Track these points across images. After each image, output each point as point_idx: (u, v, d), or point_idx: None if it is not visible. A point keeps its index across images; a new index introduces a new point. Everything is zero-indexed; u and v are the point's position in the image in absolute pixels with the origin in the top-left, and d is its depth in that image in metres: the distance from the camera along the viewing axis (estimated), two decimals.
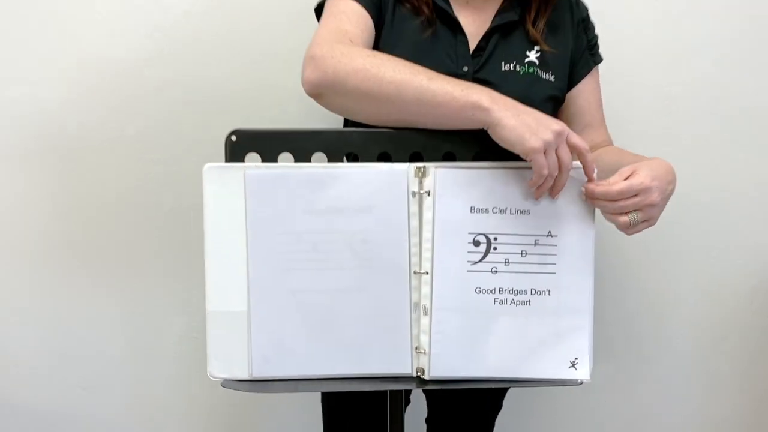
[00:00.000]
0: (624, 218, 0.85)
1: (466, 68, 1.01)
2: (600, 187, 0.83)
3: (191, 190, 1.40)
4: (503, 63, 1.02)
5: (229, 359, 0.87)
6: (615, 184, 0.83)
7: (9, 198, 1.43)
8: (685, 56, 1.45)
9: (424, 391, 1.30)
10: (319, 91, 0.89)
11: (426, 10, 1.00)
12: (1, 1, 1.35)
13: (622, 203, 0.84)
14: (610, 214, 0.86)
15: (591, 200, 0.85)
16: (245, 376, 0.87)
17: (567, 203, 0.86)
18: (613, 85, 1.32)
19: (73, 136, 1.41)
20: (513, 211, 0.86)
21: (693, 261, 1.56)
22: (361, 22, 0.96)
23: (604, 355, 1.59)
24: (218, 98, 1.41)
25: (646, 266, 1.56)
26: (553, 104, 1.06)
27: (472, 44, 1.02)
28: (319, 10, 1.04)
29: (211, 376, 0.88)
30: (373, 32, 0.99)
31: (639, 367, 1.63)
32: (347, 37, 0.93)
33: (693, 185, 1.50)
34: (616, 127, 1.21)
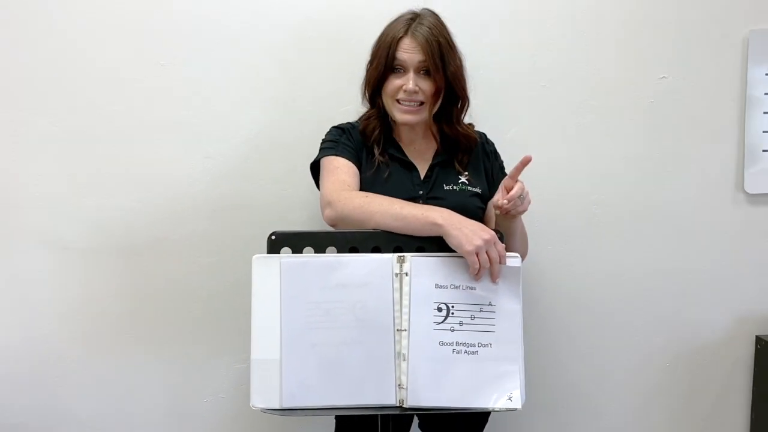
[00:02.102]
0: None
1: (421, 192, 1.45)
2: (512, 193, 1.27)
3: (226, 278, 1.80)
4: (444, 185, 1.47)
5: (266, 393, 1.20)
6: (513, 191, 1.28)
7: (86, 282, 1.79)
8: (608, 175, 1.85)
9: (419, 421, 1.60)
10: (335, 223, 1.33)
11: (386, 159, 1.46)
12: (82, 133, 1.75)
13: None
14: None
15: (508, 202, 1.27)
16: (277, 405, 1.20)
17: (501, 283, 1.23)
18: (549, 198, 1.75)
19: (137, 236, 1.78)
20: (464, 287, 1.23)
21: (622, 336, 1.89)
22: (351, 171, 1.42)
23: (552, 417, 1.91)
24: (246, 207, 1.79)
25: (585, 341, 1.89)
26: (481, 207, 1.49)
27: (422, 174, 1.47)
28: (313, 166, 1.49)
29: (253, 406, 1.20)
30: (358, 173, 1.43)
31: (582, 426, 1.93)
32: (346, 184, 1.38)
33: (622, 271, 1.87)
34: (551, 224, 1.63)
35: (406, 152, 1.49)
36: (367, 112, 1.51)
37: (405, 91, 1.40)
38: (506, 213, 1.32)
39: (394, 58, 1.40)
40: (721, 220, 1.86)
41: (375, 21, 1.51)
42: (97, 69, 1.74)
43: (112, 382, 1.83)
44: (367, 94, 1.50)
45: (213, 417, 1.85)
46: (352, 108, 1.71)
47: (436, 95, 1.42)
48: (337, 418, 1.54)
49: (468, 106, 1.50)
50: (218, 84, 1.77)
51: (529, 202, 1.33)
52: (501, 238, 1.25)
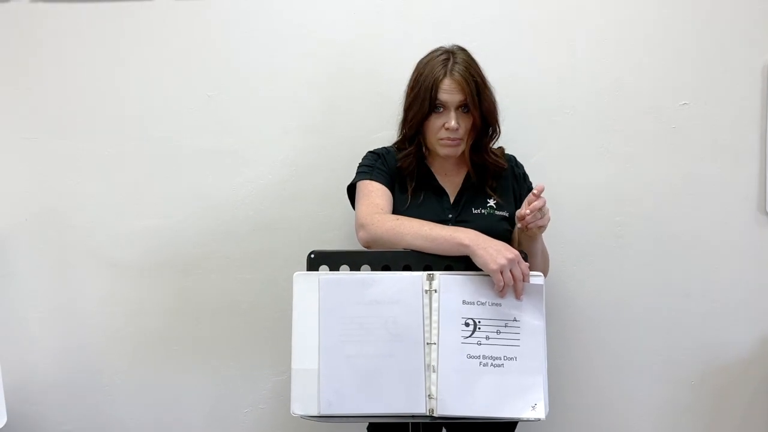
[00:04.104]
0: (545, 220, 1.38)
1: (450, 215, 1.53)
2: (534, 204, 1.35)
3: (266, 294, 1.90)
4: (473, 209, 1.54)
5: (305, 401, 1.28)
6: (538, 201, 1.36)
7: (135, 297, 1.91)
8: (632, 197, 1.90)
9: (447, 430, 1.65)
10: (368, 245, 1.42)
11: (417, 183, 1.54)
12: (132, 158, 1.89)
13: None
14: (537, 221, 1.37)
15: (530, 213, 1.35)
16: (315, 413, 1.28)
17: (525, 299, 1.31)
18: (574, 220, 1.82)
19: (183, 253, 1.90)
20: (490, 303, 1.31)
21: (647, 355, 1.92)
22: (384, 195, 1.51)
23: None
24: (285, 227, 1.89)
25: (610, 359, 1.92)
26: (509, 230, 1.56)
27: (451, 199, 1.55)
28: (350, 188, 1.58)
29: (293, 413, 1.29)
30: (392, 197, 1.52)
31: None
32: (379, 207, 1.46)
33: (646, 291, 1.90)
34: (576, 245, 1.70)
35: (437, 178, 1.57)
36: (406, 149, 1.56)
37: (447, 128, 1.48)
38: (527, 227, 1.39)
39: (435, 98, 1.47)
40: (743, 241, 1.90)
41: (406, 51, 1.61)
42: (150, 100, 1.88)
43: (157, 392, 1.94)
44: (406, 132, 1.56)
45: (252, 426, 1.94)
46: (385, 134, 1.81)
47: (473, 130, 1.51)
48: (370, 425, 1.62)
49: (498, 136, 1.59)
50: (260, 113, 1.88)
51: (549, 219, 1.40)
52: (525, 258, 1.32)
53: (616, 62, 1.88)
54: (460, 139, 1.50)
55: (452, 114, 1.47)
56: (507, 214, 1.56)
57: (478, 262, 1.30)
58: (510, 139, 1.69)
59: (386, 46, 1.86)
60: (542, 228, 1.41)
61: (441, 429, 1.65)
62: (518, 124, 1.84)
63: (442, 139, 1.50)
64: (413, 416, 1.28)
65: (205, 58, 1.88)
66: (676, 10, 1.87)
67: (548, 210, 1.40)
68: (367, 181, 1.53)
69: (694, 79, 1.88)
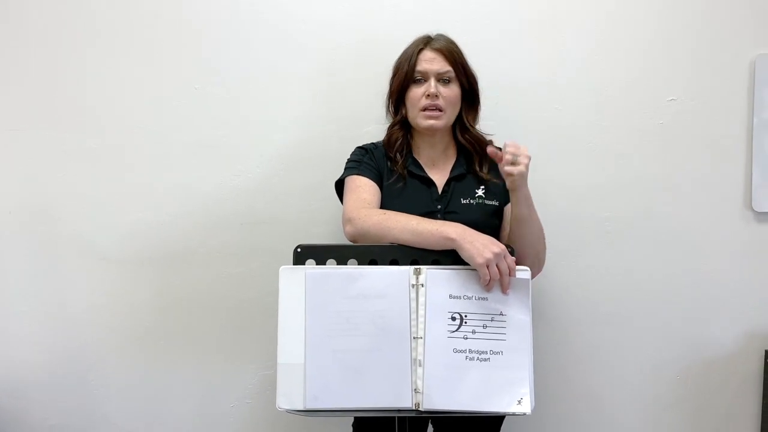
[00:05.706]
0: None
1: (439, 206, 1.52)
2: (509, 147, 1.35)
3: (253, 288, 1.90)
4: (461, 199, 1.54)
5: (291, 395, 1.28)
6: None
7: (122, 291, 1.90)
8: (620, 193, 1.90)
9: (433, 425, 1.67)
10: (355, 239, 1.42)
11: (406, 176, 1.54)
12: (121, 152, 1.88)
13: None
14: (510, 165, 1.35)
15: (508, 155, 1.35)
16: (301, 407, 1.28)
17: (512, 294, 1.31)
18: (562, 216, 1.83)
19: (170, 247, 1.89)
20: (477, 298, 1.31)
21: (632, 349, 1.93)
22: (372, 190, 1.51)
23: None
24: (272, 221, 1.89)
25: (596, 353, 1.93)
26: (498, 217, 1.57)
27: (439, 189, 1.54)
28: (338, 184, 1.58)
29: (279, 407, 1.28)
30: (379, 192, 1.52)
31: None
32: (366, 202, 1.46)
33: (632, 287, 1.92)
34: (564, 241, 1.69)
35: (425, 169, 1.57)
36: (392, 122, 1.60)
37: (427, 95, 1.49)
38: (509, 174, 1.36)
39: (414, 69, 1.51)
40: (730, 237, 1.91)
41: (396, 47, 1.60)
42: (138, 92, 1.87)
43: (143, 386, 1.93)
44: (391, 105, 1.59)
45: (239, 421, 1.94)
46: (374, 128, 1.80)
47: (454, 100, 1.52)
48: (355, 420, 1.62)
49: (479, 109, 1.60)
50: (247, 106, 1.88)
51: (524, 168, 1.37)
52: (512, 252, 1.32)
53: (604, 59, 1.88)
54: (442, 109, 1.51)
55: (432, 82, 1.50)
56: (496, 203, 1.56)
57: (464, 256, 1.30)
58: (497, 136, 1.68)
59: (377, 42, 1.86)
60: (517, 176, 1.37)
61: (427, 423, 1.66)
62: (507, 120, 1.85)
63: (423, 109, 1.51)
64: (399, 410, 1.28)
65: (194, 51, 1.87)
66: (665, 7, 1.88)
67: (527, 159, 1.38)
68: (355, 176, 1.53)
69: (682, 75, 1.88)
